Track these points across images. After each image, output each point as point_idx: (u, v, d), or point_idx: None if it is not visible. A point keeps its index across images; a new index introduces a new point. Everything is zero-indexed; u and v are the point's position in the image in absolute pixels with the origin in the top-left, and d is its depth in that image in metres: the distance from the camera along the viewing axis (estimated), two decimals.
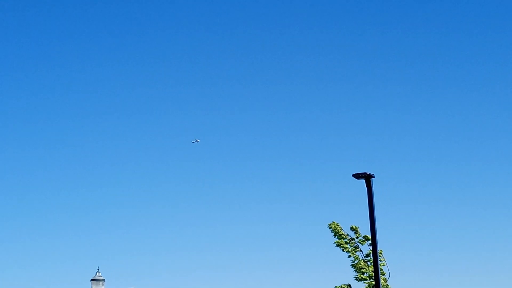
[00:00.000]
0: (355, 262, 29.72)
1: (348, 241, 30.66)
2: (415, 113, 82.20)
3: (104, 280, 40.76)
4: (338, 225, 31.10)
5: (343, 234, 30.73)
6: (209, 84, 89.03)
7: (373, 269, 26.82)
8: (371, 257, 29.02)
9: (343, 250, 30.09)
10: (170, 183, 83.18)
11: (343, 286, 29.89)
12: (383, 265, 29.41)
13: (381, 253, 29.38)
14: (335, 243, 30.63)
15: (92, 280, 40.69)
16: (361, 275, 29.44)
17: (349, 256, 30.01)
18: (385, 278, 29.29)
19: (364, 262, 29.76)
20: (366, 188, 25.18)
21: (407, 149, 79.27)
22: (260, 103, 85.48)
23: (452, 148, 78.73)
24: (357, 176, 25.05)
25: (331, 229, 30.97)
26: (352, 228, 30.80)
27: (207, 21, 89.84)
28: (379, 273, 24.72)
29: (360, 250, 30.24)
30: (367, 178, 25.06)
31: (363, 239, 30.33)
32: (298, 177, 79.67)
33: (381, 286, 24.95)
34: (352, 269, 29.89)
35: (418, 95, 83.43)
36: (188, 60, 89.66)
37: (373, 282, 28.58)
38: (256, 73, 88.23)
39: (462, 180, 74.83)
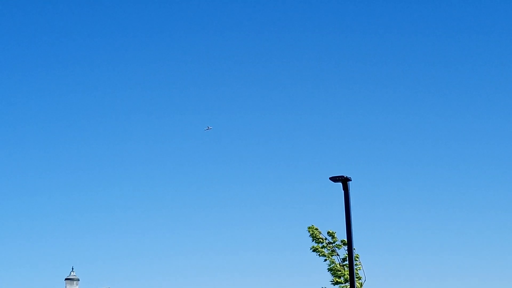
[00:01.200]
0: (331, 265, 29.68)
1: (325, 245, 30.60)
2: (392, 116, 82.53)
3: (78, 280, 40.39)
4: (317, 229, 31.07)
5: (320, 238, 30.70)
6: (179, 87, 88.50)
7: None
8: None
9: (319, 255, 30.10)
10: (143, 184, 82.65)
11: None
12: (359, 269, 29.32)
13: (357, 257, 29.35)
14: (311, 248, 30.57)
15: (66, 279, 40.32)
16: (337, 279, 29.38)
17: (325, 260, 29.98)
18: (361, 282, 29.19)
19: (341, 265, 29.69)
20: (343, 191, 25.16)
21: (385, 152, 79.39)
22: (237, 108, 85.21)
23: (429, 151, 79.09)
24: (334, 179, 25.03)
25: (310, 233, 30.94)
26: (329, 233, 30.76)
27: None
28: (355, 277, 24.62)
29: (337, 254, 30.20)
30: (344, 181, 25.04)
31: (340, 243, 30.30)
32: (276, 180, 79.57)
33: None
34: (329, 273, 29.89)
35: (396, 99, 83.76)
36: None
37: (349, 286, 28.45)
38: (235, 77, 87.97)
39: (439, 183, 75.20)
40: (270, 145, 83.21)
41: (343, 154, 77.98)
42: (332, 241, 30.69)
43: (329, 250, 30.20)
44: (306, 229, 31.06)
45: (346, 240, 29.46)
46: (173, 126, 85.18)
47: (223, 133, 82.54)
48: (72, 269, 40.76)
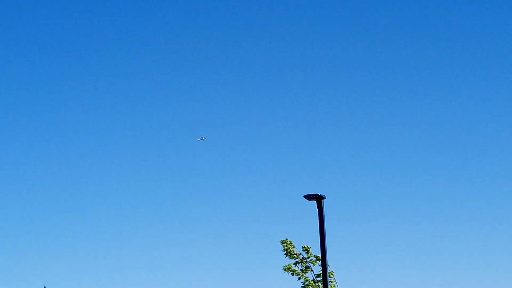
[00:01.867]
0: (305, 283, 29.47)
1: (299, 261, 30.38)
2: (365, 133, 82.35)
3: None
4: (291, 243, 30.77)
5: (294, 254, 30.41)
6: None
7: None
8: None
9: (292, 274, 29.76)
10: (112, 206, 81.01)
11: None
12: (334, 286, 29.19)
13: (331, 274, 29.23)
14: (284, 268, 30.20)
15: None
16: None
17: (299, 279, 29.74)
18: None
19: (315, 282, 29.52)
20: (317, 209, 25.16)
21: (359, 168, 79.46)
22: (211, 120, 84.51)
23: (403, 167, 79.08)
24: (309, 197, 25.04)
25: (283, 247, 30.66)
26: (304, 248, 30.53)
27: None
28: None
29: (311, 270, 30.01)
30: (318, 199, 25.02)
31: (315, 259, 30.10)
32: (250, 196, 79.00)
33: None
34: None
35: (368, 115, 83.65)
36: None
37: None
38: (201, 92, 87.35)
39: (414, 199, 75.31)
40: (247, 159, 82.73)
41: (318, 171, 77.96)
42: (306, 256, 30.49)
43: (303, 266, 29.97)
44: (279, 242, 30.75)
45: (319, 256, 29.47)
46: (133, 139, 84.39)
47: (195, 147, 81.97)
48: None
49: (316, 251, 30.08)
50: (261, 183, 79.85)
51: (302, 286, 29.54)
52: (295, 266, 29.96)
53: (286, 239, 30.88)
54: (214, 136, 77.56)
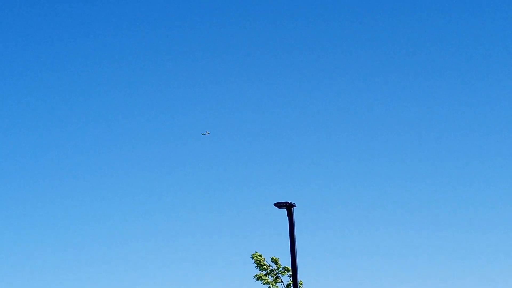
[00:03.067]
0: None
1: (269, 272, 30.70)
2: (336, 142, 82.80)
3: None
4: (261, 256, 31.13)
5: (264, 265, 30.78)
6: None
7: None
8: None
9: (263, 283, 30.12)
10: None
11: None
12: None
13: (301, 284, 29.49)
14: (255, 276, 30.61)
15: None
16: None
17: None
18: None
19: None
20: (288, 217, 25.48)
21: (330, 177, 79.69)
22: (177, 133, 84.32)
23: (375, 175, 79.54)
24: (279, 205, 25.36)
25: (254, 260, 31.04)
26: (272, 259, 30.88)
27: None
28: None
29: (281, 281, 30.29)
30: (289, 207, 25.35)
31: (283, 270, 30.42)
32: (218, 206, 78.80)
33: None
34: None
35: (338, 123, 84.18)
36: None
37: None
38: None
39: (385, 209, 75.65)
40: (214, 170, 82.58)
41: (288, 179, 78.08)
42: (276, 268, 30.82)
43: (272, 277, 30.30)
44: (250, 255, 31.12)
45: (289, 266, 29.80)
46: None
47: (167, 157, 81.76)
48: None
49: (284, 262, 30.41)
50: (231, 191, 79.77)
51: None
52: (266, 276, 30.28)
53: (256, 252, 31.21)
54: (192, 148, 77.72)
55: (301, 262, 27.78)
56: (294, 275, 24.55)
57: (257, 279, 30.38)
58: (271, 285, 29.89)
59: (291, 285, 28.86)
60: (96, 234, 75.40)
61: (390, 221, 72.96)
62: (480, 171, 77.75)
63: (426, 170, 77.71)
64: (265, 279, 30.01)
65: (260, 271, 30.72)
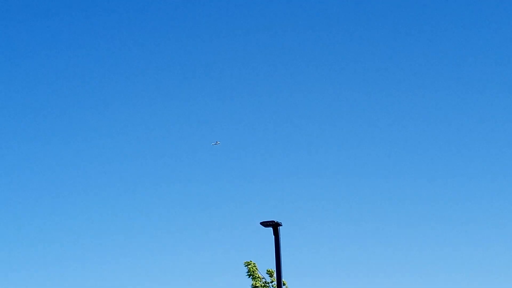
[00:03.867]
0: None
1: (262, 284, 30.25)
2: (322, 158, 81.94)
3: None
4: (255, 265, 30.66)
5: (258, 277, 30.29)
6: None
7: None
8: None
9: None
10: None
11: None
12: None
13: None
14: (251, 285, 30.19)
15: None
16: None
17: None
18: None
19: None
20: (274, 236, 25.19)
21: (316, 194, 79.18)
22: (163, 149, 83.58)
23: (361, 193, 78.85)
24: (265, 224, 25.09)
25: (247, 269, 30.59)
26: (268, 272, 30.38)
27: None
28: None
29: None
30: (275, 226, 24.99)
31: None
32: (211, 221, 78.31)
33: None
34: None
35: (323, 139, 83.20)
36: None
37: None
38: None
39: (370, 225, 75.13)
40: (209, 184, 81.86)
41: (274, 197, 77.69)
42: (270, 281, 30.34)
43: None
44: (243, 265, 30.67)
45: (285, 281, 29.46)
46: None
47: (157, 170, 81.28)
48: None
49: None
50: (221, 208, 79.36)
51: None
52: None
53: (250, 261, 30.71)
54: (184, 163, 77.13)
55: (292, 278, 27.53)
56: None
57: (254, 287, 29.96)
58: None
59: None
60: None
61: (376, 236, 72.42)
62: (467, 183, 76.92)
63: (409, 189, 76.94)
64: None
65: (253, 281, 30.27)
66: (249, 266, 30.02)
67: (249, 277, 29.87)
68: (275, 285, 29.69)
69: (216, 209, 75.95)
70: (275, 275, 29.80)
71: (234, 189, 77.87)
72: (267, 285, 29.86)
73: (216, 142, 63.49)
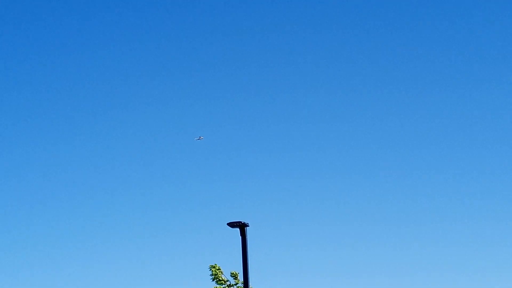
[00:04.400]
0: None
1: (227, 287, 30.27)
2: (288, 158, 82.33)
3: None
4: (219, 269, 30.65)
5: (222, 280, 30.28)
6: None
7: None
8: None
9: None
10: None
11: None
12: None
13: None
14: None
15: None
16: None
17: None
18: None
19: None
20: (241, 236, 25.24)
21: (285, 195, 79.41)
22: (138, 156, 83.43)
23: (331, 193, 79.19)
24: (232, 224, 25.13)
25: (211, 272, 30.55)
26: (232, 274, 30.39)
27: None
28: None
29: None
30: (242, 227, 25.05)
31: (242, 286, 30.00)
32: (177, 223, 78.06)
33: None
34: None
35: (293, 139, 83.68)
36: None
37: None
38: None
39: (342, 226, 75.53)
40: (173, 185, 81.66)
41: (242, 197, 77.76)
42: (234, 283, 30.37)
43: None
44: (208, 268, 30.64)
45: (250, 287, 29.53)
46: None
47: (136, 170, 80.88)
48: None
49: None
50: (188, 210, 79.22)
51: None
52: None
53: (215, 264, 30.72)
54: (159, 167, 76.81)
55: (258, 280, 27.58)
56: None
57: None
58: None
59: None
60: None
61: (347, 238, 72.79)
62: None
63: (383, 187, 77.68)
64: None
65: (216, 285, 30.25)
66: (213, 269, 30.06)
67: (213, 280, 29.91)
68: (239, 287, 29.78)
69: (183, 210, 75.78)
70: (240, 276, 29.94)
71: (201, 189, 77.73)
72: (232, 287, 29.93)
73: (200, 137, 63.58)
